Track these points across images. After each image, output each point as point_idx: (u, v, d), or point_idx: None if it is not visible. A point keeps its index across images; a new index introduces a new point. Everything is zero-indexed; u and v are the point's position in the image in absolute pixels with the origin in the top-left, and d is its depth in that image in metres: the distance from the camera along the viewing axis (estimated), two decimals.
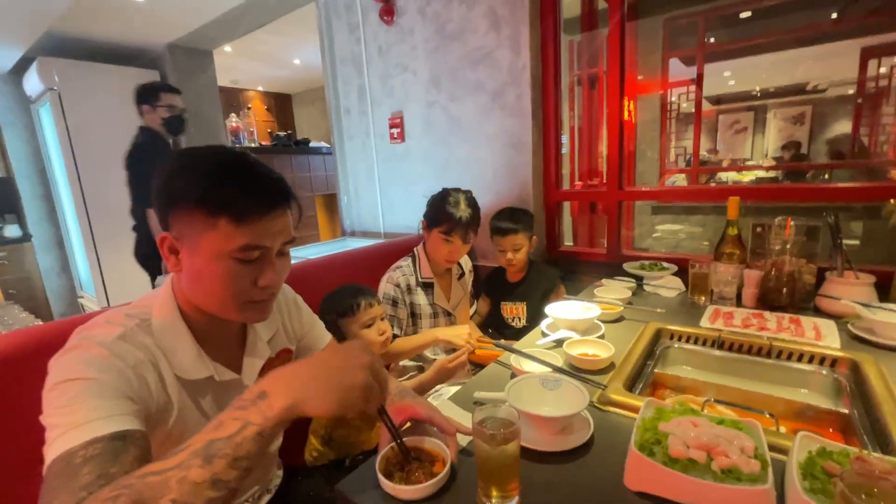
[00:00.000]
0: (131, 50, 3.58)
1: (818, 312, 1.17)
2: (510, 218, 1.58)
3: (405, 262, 1.50)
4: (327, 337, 0.94)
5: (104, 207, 3.41)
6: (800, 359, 0.96)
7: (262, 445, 0.48)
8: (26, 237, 3.81)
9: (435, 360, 1.49)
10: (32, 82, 3.33)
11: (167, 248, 0.63)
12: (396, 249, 1.75)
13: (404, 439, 0.69)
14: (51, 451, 0.48)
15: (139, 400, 0.57)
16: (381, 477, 0.63)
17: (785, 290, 1.20)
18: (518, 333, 1.52)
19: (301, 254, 2.18)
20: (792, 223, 1.18)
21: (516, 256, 1.58)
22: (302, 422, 1.08)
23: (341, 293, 1.19)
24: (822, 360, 0.93)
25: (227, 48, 4.07)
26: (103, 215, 3.42)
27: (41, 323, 1.01)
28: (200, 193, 0.59)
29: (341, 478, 0.67)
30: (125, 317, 0.63)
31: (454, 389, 1.01)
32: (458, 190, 1.47)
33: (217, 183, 0.59)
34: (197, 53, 3.72)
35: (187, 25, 3.15)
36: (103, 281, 3.46)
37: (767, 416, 0.72)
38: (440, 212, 1.41)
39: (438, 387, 1.36)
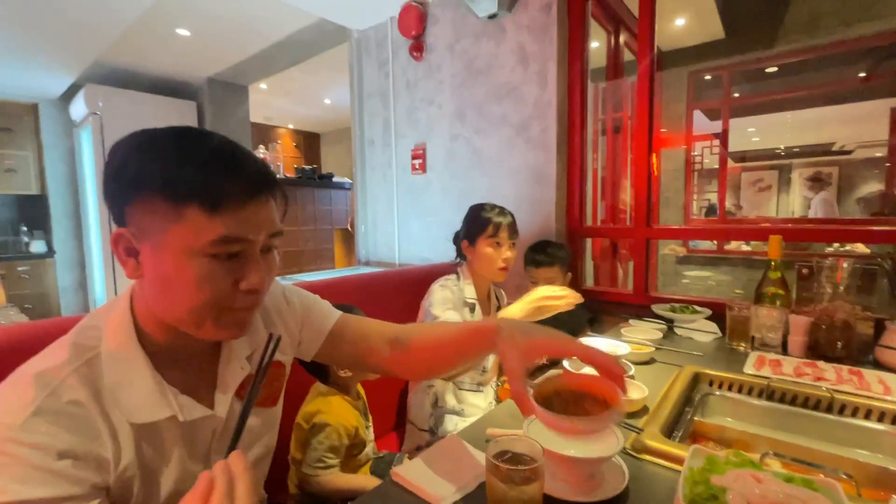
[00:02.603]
0: (173, 82, 3.79)
1: (878, 366, 1.04)
2: (547, 250, 1.55)
3: (451, 279, 1.42)
4: (335, 314, 0.76)
5: None
6: (868, 415, 0.82)
7: None
8: (50, 253, 3.89)
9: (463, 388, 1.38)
10: (78, 107, 3.53)
11: (123, 250, 0.51)
12: (412, 277, 1.68)
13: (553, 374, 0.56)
14: None
15: (85, 492, 0.46)
16: (537, 406, 0.50)
17: (840, 339, 1.07)
18: (536, 371, 1.41)
19: (311, 279, 2.13)
20: (844, 264, 1.08)
21: None
22: (281, 458, 0.97)
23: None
24: (895, 419, 0.80)
25: (263, 85, 4.28)
26: None
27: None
28: (164, 176, 0.47)
29: None
30: (69, 350, 0.50)
31: (466, 423, 0.90)
32: (481, 203, 1.45)
33: (184, 163, 0.48)
34: (234, 88, 3.91)
35: (228, 60, 3.33)
36: None
37: (844, 476, 0.60)
38: (479, 219, 1.38)
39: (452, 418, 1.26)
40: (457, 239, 1.51)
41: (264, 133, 5.98)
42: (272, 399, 0.69)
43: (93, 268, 3.90)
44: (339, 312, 0.77)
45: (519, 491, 0.47)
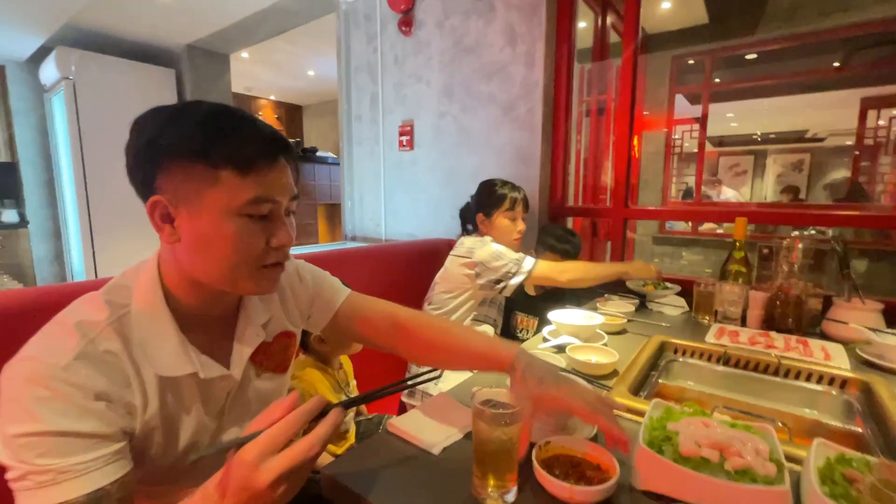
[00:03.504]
0: (150, 48, 3.65)
1: (824, 337, 1.15)
2: (572, 240, 1.62)
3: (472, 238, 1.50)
4: (344, 291, 0.82)
5: (105, 198, 3.41)
6: (808, 378, 0.93)
7: None
8: (23, 223, 3.78)
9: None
10: (49, 71, 3.38)
11: (159, 217, 0.55)
12: (400, 252, 1.73)
13: (554, 438, 0.61)
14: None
15: (115, 432, 0.51)
16: (542, 472, 0.55)
17: (791, 313, 1.18)
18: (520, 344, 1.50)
19: (295, 252, 2.16)
20: (800, 245, 1.17)
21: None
22: None
23: None
24: (831, 381, 0.91)
25: (245, 54, 4.15)
26: (103, 205, 3.41)
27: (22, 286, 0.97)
28: (200, 143, 0.52)
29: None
30: (104, 305, 0.55)
31: (452, 384, 0.98)
32: (492, 179, 1.55)
33: (217, 131, 0.53)
34: (215, 56, 3.79)
35: (208, 27, 3.22)
36: (96, 270, 3.42)
37: (780, 425, 0.69)
38: (495, 194, 1.49)
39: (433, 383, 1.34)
40: (467, 213, 1.59)
41: (245, 104, 5.82)
42: (283, 367, 0.74)
43: (69, 237, 3.81)
44: (349, 290, 0.83)
45: (501, 431, 0.54)
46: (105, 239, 3.44)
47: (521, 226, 1.53)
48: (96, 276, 3.43)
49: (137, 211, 0.56)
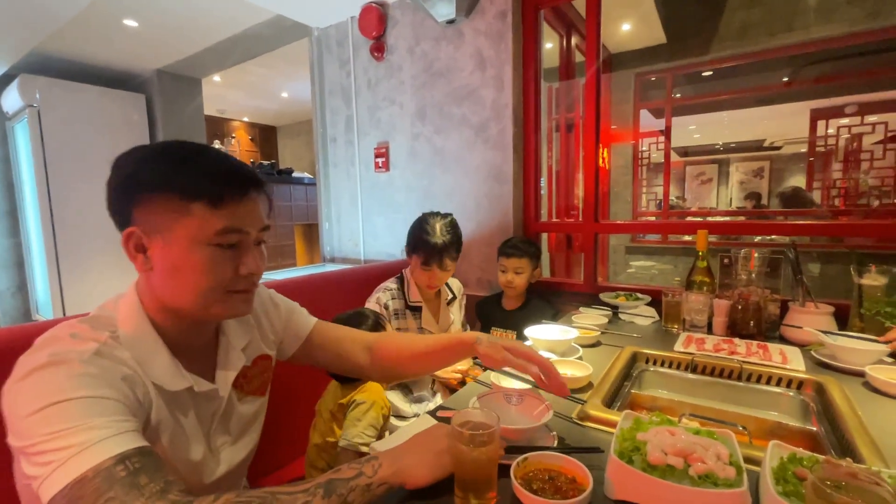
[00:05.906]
0: (119, 73, 3.61)
1: (783, 340, 1.22)
2: (519, 243, 1.65)
3: (393, 285, 1.48)
4: (312, 320, 0.87)
5: (72, 227, 3.31)
6: (768, 381, 0.98)
7: (366, 500, 0.54)
8: None
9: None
10: (11, 99, 3.29)
11: (133, 246, 0.58)
12: (376, 273, 1.75)
13: (531, 454, 0.64)
14: (63, 474, 0.44)
15: (136, 412, 0.54)
16: (520, 488, 0.57)
17: (752, 319, 1.24)
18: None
19: (277, 277, 2.15)
20: (756, 255, 1.25)
21: (516, 279, 1.61)
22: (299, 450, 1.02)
23: (359, 319, 1.15)
24: (789, 383, 0.96)
25: (217, 77, 4.14)
26: (70, 235, 3.31)
27: None
28: (173, 178, 0.56)
29: None
30: (91, 329, 0.56)
31: (433, 405, 1.00)
32: (436, 215, 1.49)
33: (190, 167, 0.57)
34: (186, 80, 3.77)
35: (178, 52, 3.21)
36: (63, 302, 3.30)
37: (741, 429, 0.74)
38: (417, 240, 1.43)
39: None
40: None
41: (218, 126, 5.77)
42: (262, 389, 0.76)
43: (33, 268, 3.67)
44: (315, 319, 0.87)
45: (479, 452, 0.56)
46: (72, 269, 3.33)
47: (434, 280, 1.44)
48: (63, 308, 3.31)
49: (106, 240, 0.58)
